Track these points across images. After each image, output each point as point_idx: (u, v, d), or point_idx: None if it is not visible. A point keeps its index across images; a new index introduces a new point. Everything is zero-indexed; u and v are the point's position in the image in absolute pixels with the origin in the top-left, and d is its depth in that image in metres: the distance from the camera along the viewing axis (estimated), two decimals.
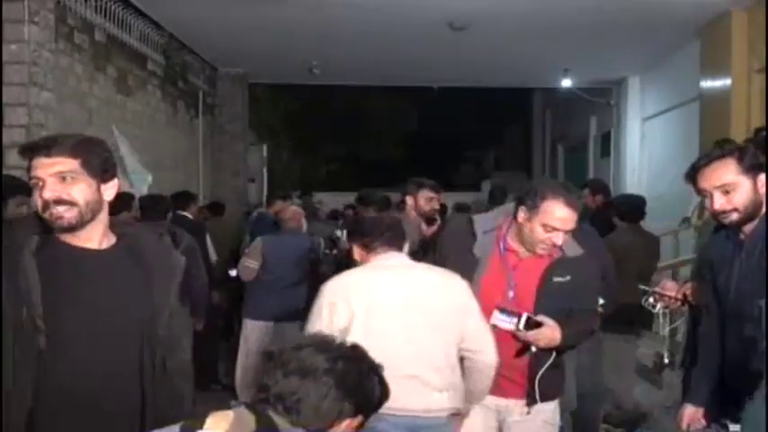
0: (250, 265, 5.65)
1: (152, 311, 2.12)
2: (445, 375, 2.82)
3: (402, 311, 2.80)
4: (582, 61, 9.61)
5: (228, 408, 1.83)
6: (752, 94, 6.93)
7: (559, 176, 14.49)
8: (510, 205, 3.08)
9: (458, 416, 2.90)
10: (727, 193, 2.51)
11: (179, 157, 8.91)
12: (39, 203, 1.99)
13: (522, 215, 2.89)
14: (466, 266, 2.93)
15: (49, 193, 1.96)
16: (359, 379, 1.87)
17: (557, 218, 2.83)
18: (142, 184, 6.67)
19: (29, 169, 2.01)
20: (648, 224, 5.83)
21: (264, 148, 11.97)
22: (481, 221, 3.05)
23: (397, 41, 8.48)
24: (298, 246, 5.69)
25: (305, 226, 6.02)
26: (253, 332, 5.65)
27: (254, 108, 11.50)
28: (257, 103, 11.83)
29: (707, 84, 7.66)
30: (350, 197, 10.73)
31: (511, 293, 2.93)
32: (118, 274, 2.09)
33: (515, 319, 2.85)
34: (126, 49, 7.24)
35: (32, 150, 2.00)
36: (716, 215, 2.60)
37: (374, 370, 1.94)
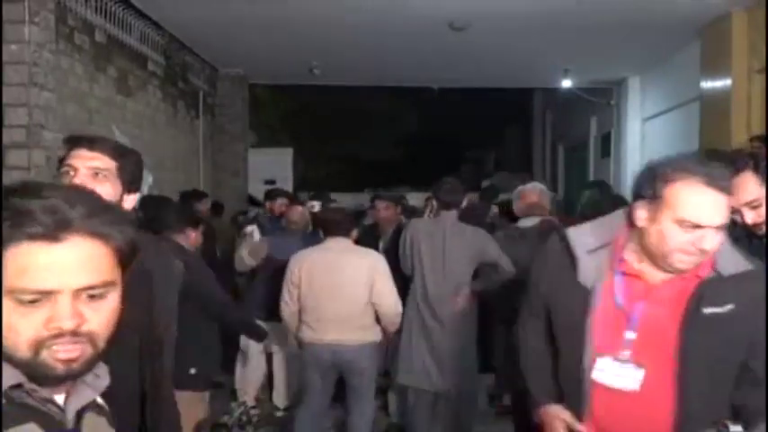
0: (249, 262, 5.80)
1: (152, 316, 2.10)
2: (357, 318, 4.59)
3: (331, 274, 4.57)
4: (582, 61, 9.62)
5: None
6: (752, 94, 6.93)
7: (560, 177, 14.51)
8: (619, 212, 2.20)
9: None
10: (755, 208, 2.36)
11: (179, 158, 8.91)
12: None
13: (641, 215, 2.02)
14: (574, 300, 2.13)
15: (78, 183, 1.96)
16: None
17: (697, 207, 1.92)
18: (143, 185, 6.68)
19: (62, 158, 2.04)
20: None
21: (291, 151, 12.01)
22: (579, 238, 2.18)
23: (398, 42, 8.48)
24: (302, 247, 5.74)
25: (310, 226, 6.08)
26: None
27: (255, 109, 11.51)
28: (257, 104, 11.85)
29: (707, 84, 7.66)
30: (349, 198, 10.77)
31: (632, 335, 2.06)
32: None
33: (639, 374, 2.04)
34: (126, 49, 7.24)
35: (76, 141, 2.04)
36: (749, 228, 2.42)
37: None
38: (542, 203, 5.08)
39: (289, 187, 11.11)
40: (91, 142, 2.04)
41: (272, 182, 10.91)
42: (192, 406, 3.70)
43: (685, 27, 7.60)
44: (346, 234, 4.74)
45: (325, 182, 16.12)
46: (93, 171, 2.01)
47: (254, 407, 6.03)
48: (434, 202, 5.33)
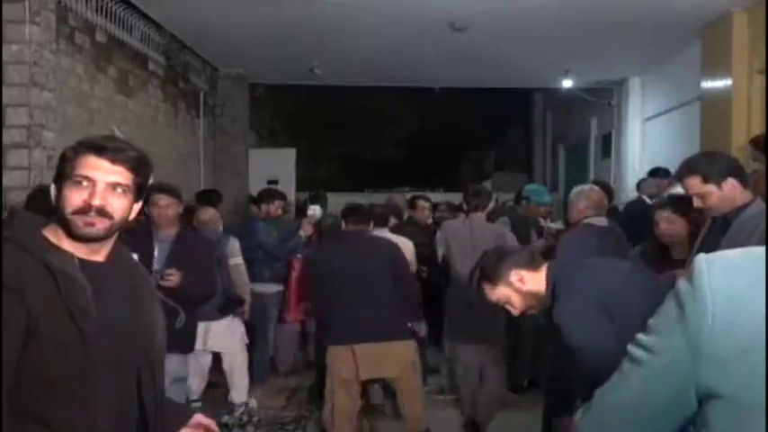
0: None
1: (145, 329, 2.07)
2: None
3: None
4: (583, 62, 9.62)
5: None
6: (753, 94, 6.93)
7: (560, 177, 14.51)
8: None
9: None
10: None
11: (180, 158, 8.91)
12: (75, 202, 1.90)
13: None
14: None
15: (99, 201, 1.90)
16: None
17: None
18: None
19: (72, 160, 1.92)
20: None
21: (294, 152, 12.00)
22: None
23: (399, 42, 8.49)
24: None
25: None
26: None
27: (255, 109, 11.50)
28: (258, 104, 11.84)
29: (708, 84, 7.66)
30: (350, 198, 10.75)
31: None
32: (119, 289, 2.01)
33: None
34: (127, 49, 7.24)
35: (99, 151, 1.92)
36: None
37: None
38: (605, 203, 5.20)
39: (291, 187, 11.13)
40: (115, 153, 1.93)
41: (274, 182, 10.88)
42: None
43: (686, 27, 7.60)
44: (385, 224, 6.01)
45: (325, 182, 16.14)
46: (112, 186, 1.93)
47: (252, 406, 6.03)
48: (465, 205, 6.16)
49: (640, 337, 1.32)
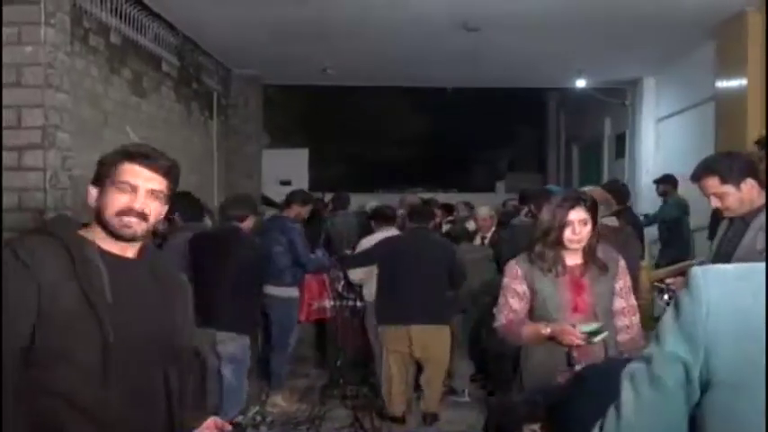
0: None
1: (170, 327, 2.19)
2: None
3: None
4: (596, 62, 9.59)
5: None
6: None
7: (574, 177, 14.47)
8: None
9: None
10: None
11: (193, 159, 8.94)
12: (118, 205, 2.08)
13: None
14: None
15: (139, 204, 2.08)
16: None
17: None
18: None
19: (113, 167, 2.09)
20: None
21: (306, 152, 12.01)
22: None
23: (411, 42, 8.49)
24: None
25: None
26: None
27: (267, 109, 11.52)
28: (270, 105, 11.86)
29: (722, 84, 7.62)
30: (363, 199, 10.76)
31: None
32: (145, 286, 2.16)
33: None
34: (141, 51, 7.27)
35: (142, 159, 2.12)
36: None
37: None
38: (611, 203, 5.23)
39: (304, 188, 11.13)
40: (154, 161, 2.13)
41: (287, 182, 10.90)
42: None
43: (700, 26, 7.57)
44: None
45: (337, 182, 16.14)
46: (151, 191, 2.11)
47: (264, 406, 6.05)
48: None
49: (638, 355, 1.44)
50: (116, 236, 2.09)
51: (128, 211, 2.07)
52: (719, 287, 1.32)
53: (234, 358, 5.20)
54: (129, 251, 2.14)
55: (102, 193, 2.10)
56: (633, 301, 3.45)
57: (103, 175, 2.11)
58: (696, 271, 1.36)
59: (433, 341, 5.71)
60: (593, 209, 3.33)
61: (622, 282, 3.40)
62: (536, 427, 2.94)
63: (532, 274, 3.35)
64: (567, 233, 3.26)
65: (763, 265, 1.34)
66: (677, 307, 1.36)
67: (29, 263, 1.96)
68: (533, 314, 3.39)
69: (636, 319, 3.42)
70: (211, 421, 2.35)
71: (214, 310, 4.86)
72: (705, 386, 1.32)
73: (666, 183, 8.22)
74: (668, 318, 1.37)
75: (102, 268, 2.03)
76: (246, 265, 5.18)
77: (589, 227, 3.29)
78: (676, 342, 1.33)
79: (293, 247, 6.27)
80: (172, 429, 2.18)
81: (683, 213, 8.01)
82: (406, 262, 5.71)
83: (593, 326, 3.18)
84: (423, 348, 5.70)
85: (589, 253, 3.33)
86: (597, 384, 2.85)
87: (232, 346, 5.17)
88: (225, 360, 5.17)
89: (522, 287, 3.38)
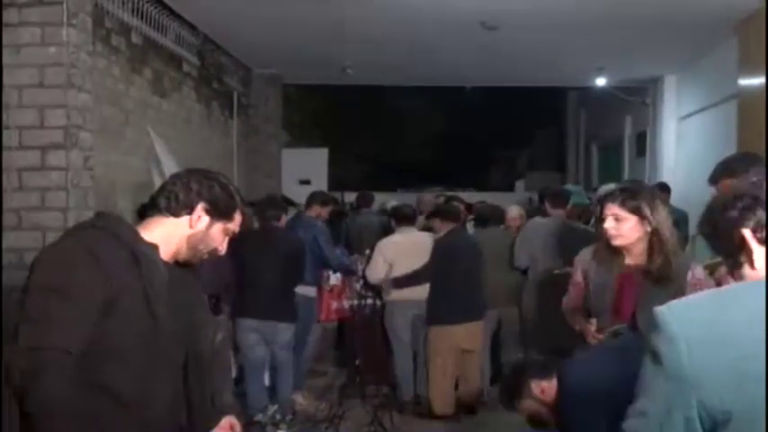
0: None
1: (193, 330, 2.26)
2: None
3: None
4: (616, 60, 9.53)
5: None
6: None
7: (593, 177, 14.39)
8: None
9: None
10: None
11: (214, 158, 8.98)
12: (215, 246, 2.23)
13: None
14: None
15: (224, 249, 2.28)
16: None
17: None
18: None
19: (233, 212, 2.25)
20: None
21: (326, 151, 12.04)
22: None
23: (430, 41, 8.48)
24: None
25: None
26: None
27: (286, 108, 11.54)
28: (288, 104, 11.89)
29: (745, 82, 7.54)
30: (383, 198, 10.76)
31: None
32: (176, 289, 2.18)
33: None
34: (162, 50, 7.32)
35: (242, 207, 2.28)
36: None
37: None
38: None
39: (323, 187, 11.14)
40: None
41: (306, 182, 10.92)
42: None
43: (721, 24, 7.49)
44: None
45: (356, 182, 16.16)
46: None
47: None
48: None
49: (630, 409, 1.38)
50: (182, 259, 2.20)
51: (214, 252, 2.23)
52: (689, 317, 1.29)
53: (289, 345, 5.87)
54: (167, 256, 2.20)
55: (209, 227, 2.18)
56: None
57: (223, 212, 2.19)
58: (661, 310, 1.32)
59: (477, 336, 6.22)
60: (634, 207, 3.14)
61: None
62: (544, 382, 2.99)
63: (590, 265, 3.35)
64: (606, 227, 3.18)
65: (725, 287, 1.35)
66: (655, 355, 1.30)
67: (102, 258, 1.97)
68: (585, 304, 3.44)
69: None
70: (226, 422, 2.38)
71: (268, 304, 5.65)
72: (708, 422, 1.27)
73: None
74: (650, 367, 1.32)
75: (165, 271, 2.09)
76: (291, 259, 5.81)
77: (630, 224, 3.14)
78: (669, 392, 1.28)
79: (317, 244, 6.37)
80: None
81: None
82: (459, 262, 6.07)
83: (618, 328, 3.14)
84: (471, 343, 6.17)
85: (651, 256, 3.16)
86: (607, 354, 2.87)
87: (287, 334, 5.82)
88: (280, 347, 5.82)
89: (577, 277, 3.47)
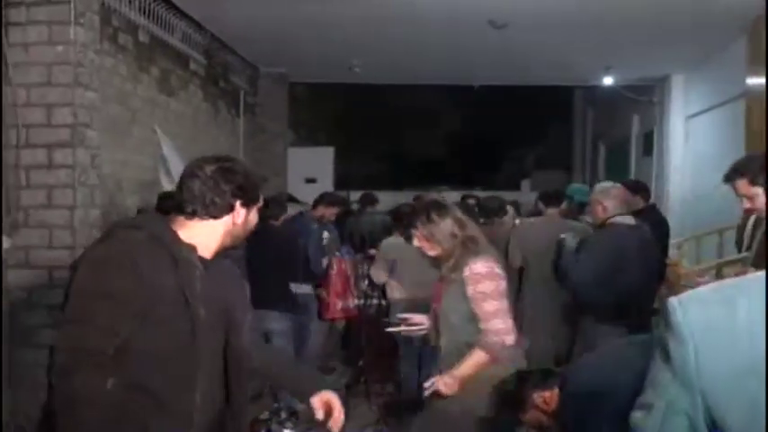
0: None
1: (231, 320, 2.29)
2: None
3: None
4: (624, 58, 9.50)
5: None
6: None
7: (600, 176, 14.35)
8: None
9: None
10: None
11: None
12: (252, 223, 2.33)
13: None
14: None
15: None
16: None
17: None
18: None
19: (257, 190, 2.34)
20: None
21: (332, 150, 12.05)
22: None
23: (438, 39, 8.46)
24: None
25: None
26: None
27: (293, 107, 11.55)
28: (294, 102, 11.89)
29: (753, 81, 7.51)
30: (392, 197, 10.78)
31: None
32: (215, 284, 2.21)
33: None
34: (168, 49, 7.33)
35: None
36: None
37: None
38: (630, 201, 5.25)
39: (329, 186, 11.14)
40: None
41: (312, 180, 10.93)
42: None
43: (730, 23, 7.46)
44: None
45: (363, 181, 16.16)
46: None
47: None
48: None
49: (638, 400, 1.36)
50: (225, 248, 2.28)
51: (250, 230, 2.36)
52: (701, 316, 1.24)
53: (285, 333, 5.97)
54: (207, 252, 2.23)
55: (246, 215, 2.28)
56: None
57: (253, 200, 2.29)
58: (673, 303, 1.27)
59: None
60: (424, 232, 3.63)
61: (471, 288, 3.51)
62: (545, 393, 2.98)
63: None
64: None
65: (736, 279, 1.30)
66: (664, 348, 1.27)
67: (142, 263, 2.02)
68: None
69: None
70: (326, 396, 2.71)
71: (261, 294, 5.53)
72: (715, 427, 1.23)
73: (636, 193, 6.57)
74: (659, 361, 1.29)
75: (203, 272, 2.12)
76: (284, 251, 6.04)
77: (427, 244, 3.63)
78: (675, 390, 1.25)
79: (305, 250, 6.51)
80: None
81: None
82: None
83: None
84: None
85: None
86: (606, 358, 2.87)
87: (282, 323, 5.94)
88: (276, 334, 5.90)
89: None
